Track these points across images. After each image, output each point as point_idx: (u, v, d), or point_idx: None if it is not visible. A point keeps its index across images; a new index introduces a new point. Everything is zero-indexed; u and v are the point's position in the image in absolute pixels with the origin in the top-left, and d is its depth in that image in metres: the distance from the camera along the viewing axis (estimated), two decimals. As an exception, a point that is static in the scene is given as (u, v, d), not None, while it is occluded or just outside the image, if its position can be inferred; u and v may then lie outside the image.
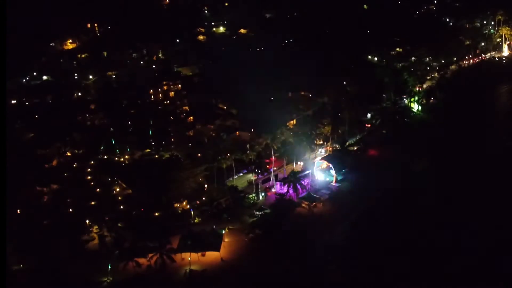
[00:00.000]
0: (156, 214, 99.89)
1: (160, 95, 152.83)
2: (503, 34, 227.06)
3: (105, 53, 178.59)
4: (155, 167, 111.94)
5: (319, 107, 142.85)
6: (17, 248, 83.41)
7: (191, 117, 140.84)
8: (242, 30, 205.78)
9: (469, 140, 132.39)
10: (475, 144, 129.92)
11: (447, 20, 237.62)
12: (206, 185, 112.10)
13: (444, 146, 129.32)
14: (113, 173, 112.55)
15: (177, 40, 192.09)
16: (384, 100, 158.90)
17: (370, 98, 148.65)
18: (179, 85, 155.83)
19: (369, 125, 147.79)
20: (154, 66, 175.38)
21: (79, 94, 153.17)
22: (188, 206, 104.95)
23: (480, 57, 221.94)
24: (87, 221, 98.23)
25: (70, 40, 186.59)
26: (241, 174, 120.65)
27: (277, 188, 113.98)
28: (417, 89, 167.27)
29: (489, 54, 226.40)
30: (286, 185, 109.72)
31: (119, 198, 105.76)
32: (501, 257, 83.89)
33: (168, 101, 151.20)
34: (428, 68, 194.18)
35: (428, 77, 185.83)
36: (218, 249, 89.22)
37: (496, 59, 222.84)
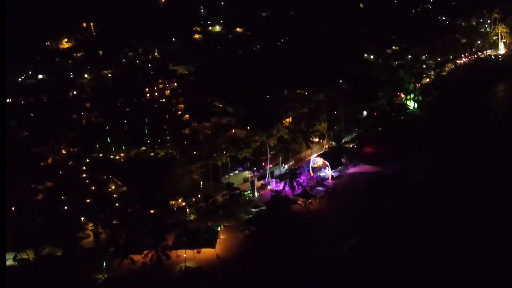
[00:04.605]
0: (152, 211, 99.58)
1: (156, 93, 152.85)
2: (499, 32, 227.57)
3: (100, 52, 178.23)
4: (151, 164, 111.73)
5: (315, 104, 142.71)
6: (12, 246, 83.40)
7: (187, 115, 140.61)
8: (238, 29, 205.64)
9: (466, 135, 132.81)
10: (472, 138, 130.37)
11: (443, 18, 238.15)
12: (201, 182, 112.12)
13: (441, 141, 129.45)
14: (109, 171, 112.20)
15: (173, 39, 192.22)
16: (380, 98, 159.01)
17: (366, 95, 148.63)
18: (175, 84, 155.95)
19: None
20: (150, 65, 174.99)
21: (75, 92, 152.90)
22: (184, 203, 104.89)
23: (476, 55, 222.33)
24: (82, 218, 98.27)
25: (66, 39, 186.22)
26: (237, 171, 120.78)
27: (273, 185, 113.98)
28: (413, 86, 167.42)
29: (485, 52, 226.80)
30: (282, 182, 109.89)
31: (115, 195, 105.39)
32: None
33: (163, 99, 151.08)
34: (424, 66, 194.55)
35: (424, 75, 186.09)
36: (213, 246, 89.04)
37: (492, 57, 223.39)
